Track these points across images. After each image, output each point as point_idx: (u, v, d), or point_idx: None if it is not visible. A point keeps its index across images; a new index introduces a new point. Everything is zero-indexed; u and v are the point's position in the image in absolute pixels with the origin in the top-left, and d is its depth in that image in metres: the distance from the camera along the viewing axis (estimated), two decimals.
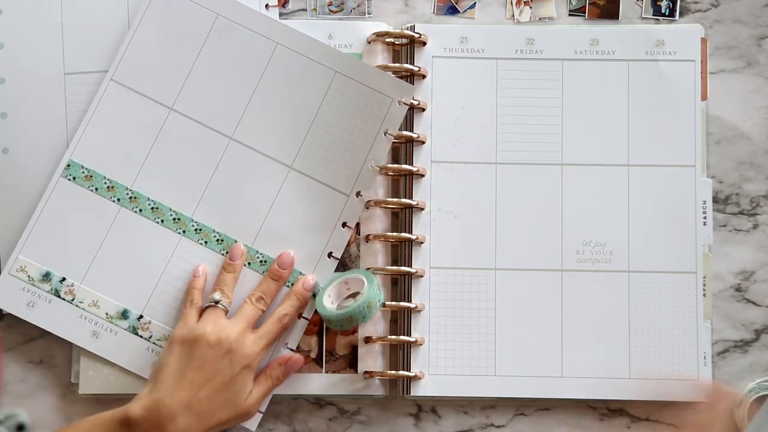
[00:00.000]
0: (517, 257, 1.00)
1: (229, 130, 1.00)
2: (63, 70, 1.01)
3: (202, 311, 0.96)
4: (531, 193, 1.01)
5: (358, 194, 0.99)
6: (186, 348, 0.92)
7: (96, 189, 1.00)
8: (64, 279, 0.99)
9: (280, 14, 1.03)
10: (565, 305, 1.00)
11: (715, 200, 1.02)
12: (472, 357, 0.99)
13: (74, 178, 1.00)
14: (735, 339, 1.01)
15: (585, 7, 1.04)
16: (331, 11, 1.03)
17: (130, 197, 0.99)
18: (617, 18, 1.03)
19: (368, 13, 1.03)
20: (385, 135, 0.99)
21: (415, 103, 1.00)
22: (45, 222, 0.99)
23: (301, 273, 0.99)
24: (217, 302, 0.95)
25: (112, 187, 1.00)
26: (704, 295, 1.00)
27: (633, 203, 1.01)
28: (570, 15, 1.04)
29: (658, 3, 1.04)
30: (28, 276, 0.99)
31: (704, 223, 1.01)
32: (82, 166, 1.00)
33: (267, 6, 1.02)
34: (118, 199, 0.99)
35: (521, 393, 0.99)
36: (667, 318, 1.00)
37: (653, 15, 1.03)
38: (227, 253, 0.99)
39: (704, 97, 1.02)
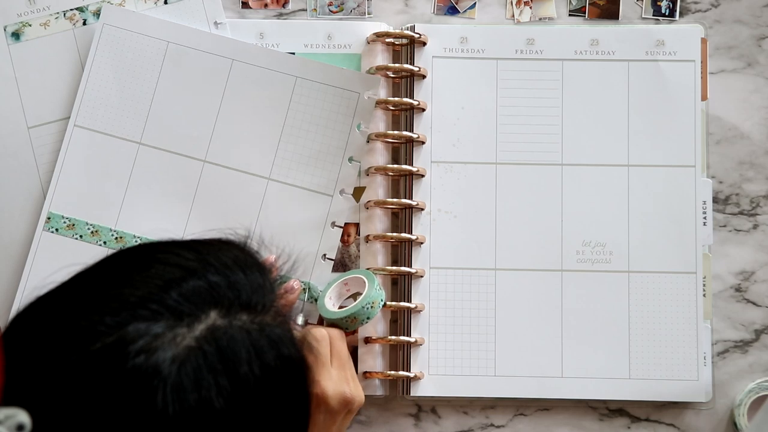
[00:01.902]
0: (517, 257, 1.00)
1: (201, 153, 1.00)
2: (26, 124, 1.00)
3: None
4: (531, 193, 1.01)
5: (342, 192, 1.00)
6: None
7: (80, 236, 0.99)
8: None
9: (280, 14, 1.03)
10: (565, 305, 1.00)
11: (715, 200, 1.02)
12: (472, 357, 0.99)
13: (57, 229, 0.99)
14: (735, 339, 1.01)
15: (585, 7, 1.04)
16: (331, 11, 1.03)
17: (116, 238, 0.99)
18: (617, 18, 1.03)
19: (368, 14, 1.03)
20: (359, 129, 0.99)
21: (415, 103, 1.00)
22: (35, 278, 0.98)
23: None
24: None
25: (96, 231, 0.99)
26: (704, 295, 1.00)
27: (633, 203, 1.01)
28: (570, 15, 1.04)
29: (658, 3, 1.03)
30: None
31: (704, 223, 1.01)
32: (63, 217, 0.99)
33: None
34: (104, 242, 0.99)
35: (521, 393, 0.99)
36: (667, 318, 1.00)
37: (653, 15, 1.03)
38: None
39: (704, 97, 1.02)
